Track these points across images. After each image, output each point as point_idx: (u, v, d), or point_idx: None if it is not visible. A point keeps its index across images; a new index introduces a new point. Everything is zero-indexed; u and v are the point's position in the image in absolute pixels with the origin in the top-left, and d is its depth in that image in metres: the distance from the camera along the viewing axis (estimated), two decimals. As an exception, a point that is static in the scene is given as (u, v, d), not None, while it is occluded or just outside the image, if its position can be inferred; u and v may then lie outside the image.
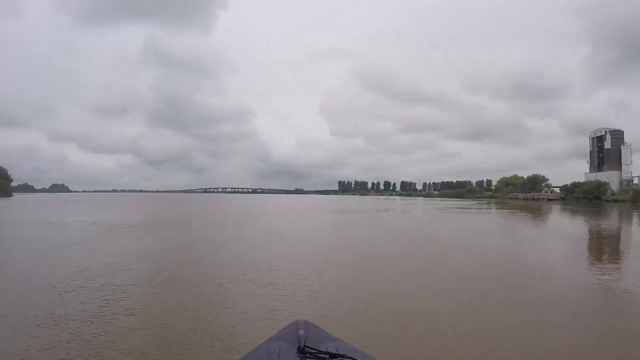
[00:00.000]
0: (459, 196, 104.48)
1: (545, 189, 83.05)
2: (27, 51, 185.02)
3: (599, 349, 4.41)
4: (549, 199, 71.14)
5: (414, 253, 11.58)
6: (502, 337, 4.78)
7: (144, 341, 4.52)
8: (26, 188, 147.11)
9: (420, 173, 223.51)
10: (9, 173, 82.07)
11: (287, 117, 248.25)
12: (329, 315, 5.40)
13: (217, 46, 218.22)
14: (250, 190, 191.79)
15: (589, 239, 16.24)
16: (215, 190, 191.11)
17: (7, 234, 15.60)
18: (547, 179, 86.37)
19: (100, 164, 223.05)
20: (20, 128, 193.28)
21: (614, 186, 73.97)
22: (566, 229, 21.11)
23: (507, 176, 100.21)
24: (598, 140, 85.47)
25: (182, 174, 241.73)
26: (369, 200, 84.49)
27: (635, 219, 28.95)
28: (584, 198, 66.83)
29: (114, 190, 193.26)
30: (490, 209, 42.89)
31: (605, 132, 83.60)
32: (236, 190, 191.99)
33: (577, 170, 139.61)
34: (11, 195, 75.95)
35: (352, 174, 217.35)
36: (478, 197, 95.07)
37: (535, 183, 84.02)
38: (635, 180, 75.23)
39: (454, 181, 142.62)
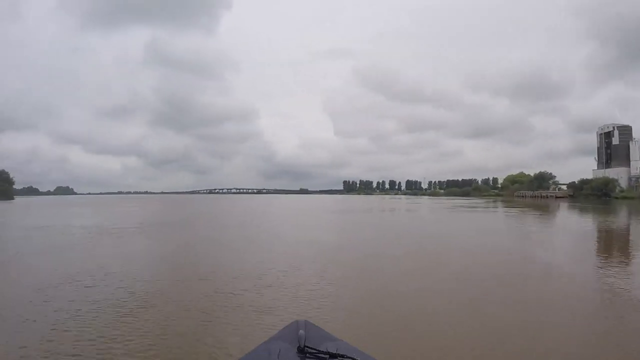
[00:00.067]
0: (465, 194, 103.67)
1: (552, 186, 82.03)
2: (30, 53, 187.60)
3: (600, 349, 4.37)
4: (557, 197, 70.19)
5: (418, 253, 11.47)
6: (502, 337, 4.76)
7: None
8: (31, 191, 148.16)
9: (424, 172, 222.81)
10: (11, 176, 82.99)
11: (290, 117, 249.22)
12: (329, 315, 5.43)
13: (220, 46, 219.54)
14: (255, 190, 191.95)
15: (602, 238, 15.83)
16: (220, 191, 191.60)
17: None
18: (555, 176, 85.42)
19: (104, 166, 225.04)
20: (25, 130, 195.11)
21: (623, 183, 72.97)
22: (578, 227, 20.66)
23: (514, 174, 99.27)
24: (606, 137, 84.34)
25: (186, 175, 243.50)
26: (374, 199, 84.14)
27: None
28: (592, 195, 65.97)
29: (120, 192, 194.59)
30: (499, 207, 42.30)
31: (613, 127, 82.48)
32: (241, 190, 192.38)
33: (582, 168, 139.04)
34: (13, 199, 76.35)
35: (356, 174, 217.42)
36: (484, 196, 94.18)
37: (542, 180, 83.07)
38: (644, 177, 74.21)
39: (460, 179, 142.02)
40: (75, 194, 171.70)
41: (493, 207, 41.69)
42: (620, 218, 26.10)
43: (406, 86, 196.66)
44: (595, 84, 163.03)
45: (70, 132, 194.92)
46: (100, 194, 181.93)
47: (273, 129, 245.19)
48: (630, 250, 12.39)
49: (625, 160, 77.97)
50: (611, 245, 13.66)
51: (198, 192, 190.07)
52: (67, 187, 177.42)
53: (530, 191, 79.68)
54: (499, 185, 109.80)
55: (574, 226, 21.25)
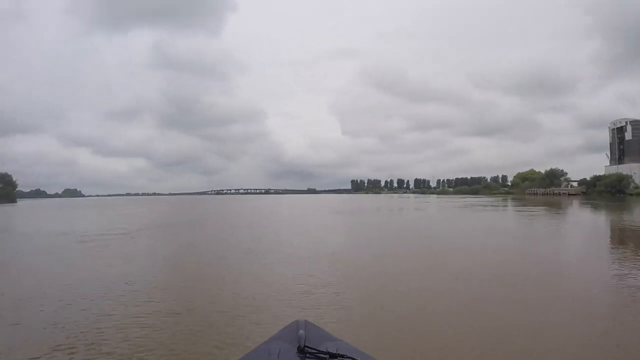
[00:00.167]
0: (475, 192, 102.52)
1: (564, 183, 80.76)
2: (37, 56, 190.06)
3: (600, 349, 4.35)
4: (569, 194, 68.95)
5: (424, 255, 11.31)
6: (502, 337, 4.76)
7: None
8: (38, 194, 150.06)
9: (432, 170, 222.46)
10: (14, 179, 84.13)
11: (297, 117, 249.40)
12: (330, 315, 5.51)
13: (226, 48, 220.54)
14: (263, 190, 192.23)
15: (624, 237, 14.96)
16: (228, 191, 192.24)
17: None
18: (566, 173, 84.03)
19: (112, 168, 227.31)
20: (32, 133, 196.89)
21: (637, 179, 71.27)
22: (599, 226, 19.93)
23: (524, 171, 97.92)
24: (618, 132, 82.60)
25: (194, 176, 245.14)
26: (383, 198, 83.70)
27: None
28: (606, 192, 64.70)
29: (128, 194, 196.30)
30: (512, 205, 41.20)
31: (626, 123, 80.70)
32: (248, 191, 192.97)
33: (591, 164, 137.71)
34: (15, 202, 77.37)
35: (363, 173, 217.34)
36: (495, 194, 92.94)
37: (553, 178, 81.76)
38: (660, 173, 72.56)
39: (469, 177, 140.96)
40: (83, 196, 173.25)
41: (506, 206, 40.76)
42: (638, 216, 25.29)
43: (412, 85, 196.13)
44: (602, 80, 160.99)
45: (77, 134, 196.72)
46: (109, 195, 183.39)
47: (280, 129, 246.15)
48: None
49: (639, 155, 76.37)
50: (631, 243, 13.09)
51: (206, 193, 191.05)
52: (75, 190, 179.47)
53: (541, 188, 78.39)
54: (509, 183, 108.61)
55: (597, 226, 20.41)
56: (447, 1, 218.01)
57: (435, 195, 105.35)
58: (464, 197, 74.73)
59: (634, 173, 71.88)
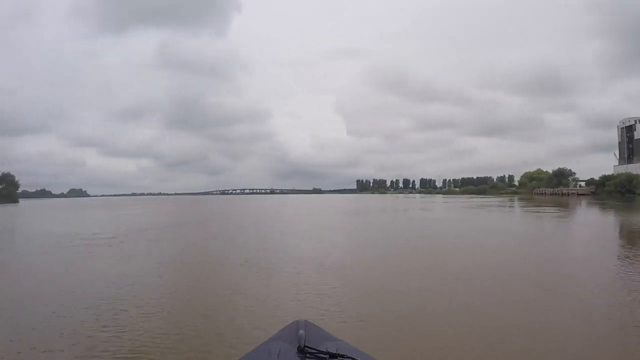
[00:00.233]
0: (481, 192, 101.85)
1: (572, 183, 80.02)
2: (43, 57, 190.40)
3: (600, 349, 4.35)
4: (578, 194, 68.21)
5: (431, 260, 11.08)
6: (502, 337, 4.77)
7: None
8: (44, 193, 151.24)
9: (438, 170, 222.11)
10: (17, 179, 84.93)
11: (302, 117, 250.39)
12: (331, 314, 5.56)
13: (231, 48, 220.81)
14: (268, 190, 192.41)
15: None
16: (233, 191, 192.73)
17: None
18: (574, 173, 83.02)
19: (118, 168, 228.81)
20: (39, 134, 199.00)
21: (647, 178, 70.56)
22: (621, 228, 19.53)
23: (531, 171, 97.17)
24: (627, 131, 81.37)
25: (200, 176, 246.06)
26: (388, 198, 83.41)
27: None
28: (615, 192, 64.00)
29: (133, 194, 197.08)
30: (521, 205, 40.57)
31: (635, 121, 79.31)
32: (254, 191, 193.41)
33: (598, 164, 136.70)
34: (17, 202, 77.69)
35: (369, 173, 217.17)
36: (502, 193, 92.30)
37: (561, 177, 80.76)
38: (670, 173, 71.56)
39: (475, 177, 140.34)
40: (89, 196, 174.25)
41: (516, 206, 40.16)
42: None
43: (417, 85, 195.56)
44: (608, 80, 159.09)
45: (83, 135, 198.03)
46: (114, 195, 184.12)
47: (285, 129, 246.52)
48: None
49: (649, 155, 75.45)
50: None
51: (211, 193, 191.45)
52: (81, 190, 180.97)
53: (549, 188, 77.57)
54: (515, 183, 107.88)
55: (614, 226, 19.74)
56: (449, 1, 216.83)
57: (441, 196, 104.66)
58: (471, 197, 74.17)
59: (645, 172, 71.05)
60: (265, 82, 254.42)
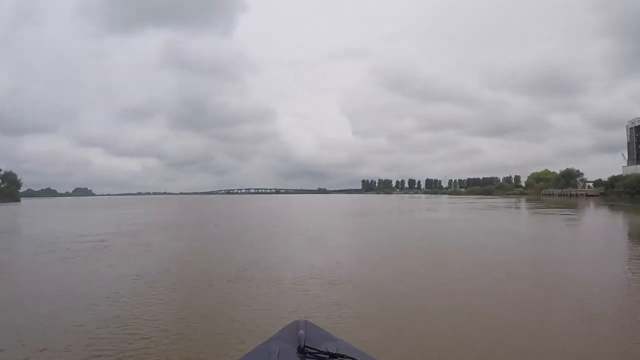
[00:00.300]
0: (488, 193, 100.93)
1: (580, 184, 78.96)
2: (51, 57, 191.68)
3: (600, 349, 4.32)
4: (587, 195, 67.26)
5: (432, 262, 11.02)
6: (502, 337, 4.76)
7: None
8: (49, 192, 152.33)
9: (443, 171, 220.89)
10: (19, 178, 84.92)
11: (308, 117, 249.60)
12: (331, 314, 5.58)
13: (237, 48, 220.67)
14: (273, 190, 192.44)
15: None
16: (238, 191, 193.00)
17: None
18: (582, 174, 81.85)
19: (124, 168, 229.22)
20: (44, 133, 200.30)
21: (658, 179, 69.30)
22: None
23: (538, 171, 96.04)
24: (636, 131, 79.88)
25: (205, 175, 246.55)
26: (394, 199, 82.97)
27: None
28: (625, 193, 62.99)
29: (139, 193, 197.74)
30: (530, 207, 39.31)
31: (645, 121, 78.71)
32: (259, 190, 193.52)
33: (605, 164, 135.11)
34: (19, 201, 77.93)
35: (374, 173, 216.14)
36: (509, 194, 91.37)
37: (569, 178, 79.72)
38: (681, 174, 70.27)
39: (481, 178, 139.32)
40: (94, 195, 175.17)
41: (526, 207, 39.39)
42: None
43: (423, 85, 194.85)
44: (614, 80, 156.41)
45: (89, 134, 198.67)
46: (119, 195, 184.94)
47: (291, 129, 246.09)
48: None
49: (659, 155, 74.10)
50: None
51: (216, 193, 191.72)
52: (86, 189, 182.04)
53: (557, 189, 76.58)
54: (521, 184, 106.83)
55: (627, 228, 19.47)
56: (449, 1, 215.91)
57: (447, 196, 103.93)
58: (478, 199, 73.22)
59: (655, 173, 69.87)
60: (270, 82, 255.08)
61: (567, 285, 7.34)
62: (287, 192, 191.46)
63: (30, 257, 10.93)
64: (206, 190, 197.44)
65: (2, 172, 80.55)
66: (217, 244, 13.79)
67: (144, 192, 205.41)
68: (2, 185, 78.90)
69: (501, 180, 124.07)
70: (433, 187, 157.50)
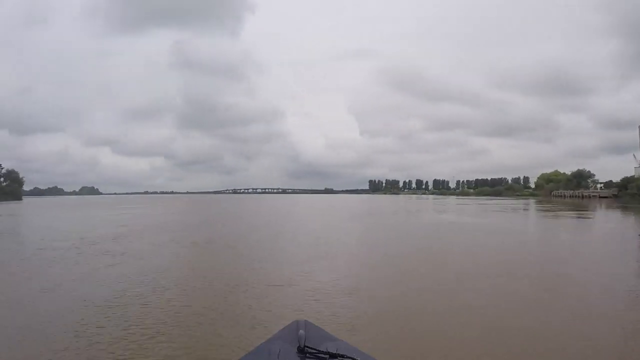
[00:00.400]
0: (497, 194, 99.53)
1: (592, 185, 77.55)
2: (58, 57, 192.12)
3: (600, 349, 4.28)
4: (600, 196, 65.87)
5: (433, 262, 11.03)
6: (502, 337, 4.73)
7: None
8: (56, 191, 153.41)
9: (451, 171, 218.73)
10: (21, 176, 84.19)
11: (316, 117, 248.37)
12: (332, 314, 5.61)
13: (245, 48, 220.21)
14: (280, 190, 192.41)
15: None
16: (245, 191, 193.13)
17: None
18: (594, 175, 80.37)
19: (131, 167, 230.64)
20: (52, 133, 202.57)
21: (672, 181, 67.76)
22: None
23: (548, 172, 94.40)
24: (648, 131, 78.86)
25: (212, 175, 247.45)
26: (401, 199, 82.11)
27: None
28: (639, 195, 61.70)
29: (146, 192, 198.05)
30: (542, 209, 37.33)
31: (658, 122, 77.13)
32: (266, 190, 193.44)
33: (613, 165, 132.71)
34: (21, 199, 77.66)
35: (381, 173, 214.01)
36: (518, 195, 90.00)
37: (580, 179, 78.37)
38: (694, 174, 68.60)
39: (489, 178, 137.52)
40: (101, 194, 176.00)
41: (536, 209, 38.28)
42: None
43: (430, 85, 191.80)
44: (623, 80, 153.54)
45: (97, 134, 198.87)
46: (126, 194, 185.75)
47: (298, 129, 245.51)
48: None
49: (673, 156, 72.36)
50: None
51: (222, 192, 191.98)
52: (92, 188, 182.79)
53: (568, 190, 75.22)
54: (530, 185, 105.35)
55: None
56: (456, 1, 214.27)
57: (455, 197, 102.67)
58: (488, 200, 72.03)
59: (668, 174, 68.36)
60: (278, 83, 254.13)
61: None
62: (294, 192, 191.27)
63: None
64: (213, 190, 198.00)
65: (4, 170, 79.88)
66: (221, 243, 13.72)
67: (151, 191, 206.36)
68: (4, 184, 78.64)
69: (510, 181, 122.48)
70: (440, 187, 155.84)
